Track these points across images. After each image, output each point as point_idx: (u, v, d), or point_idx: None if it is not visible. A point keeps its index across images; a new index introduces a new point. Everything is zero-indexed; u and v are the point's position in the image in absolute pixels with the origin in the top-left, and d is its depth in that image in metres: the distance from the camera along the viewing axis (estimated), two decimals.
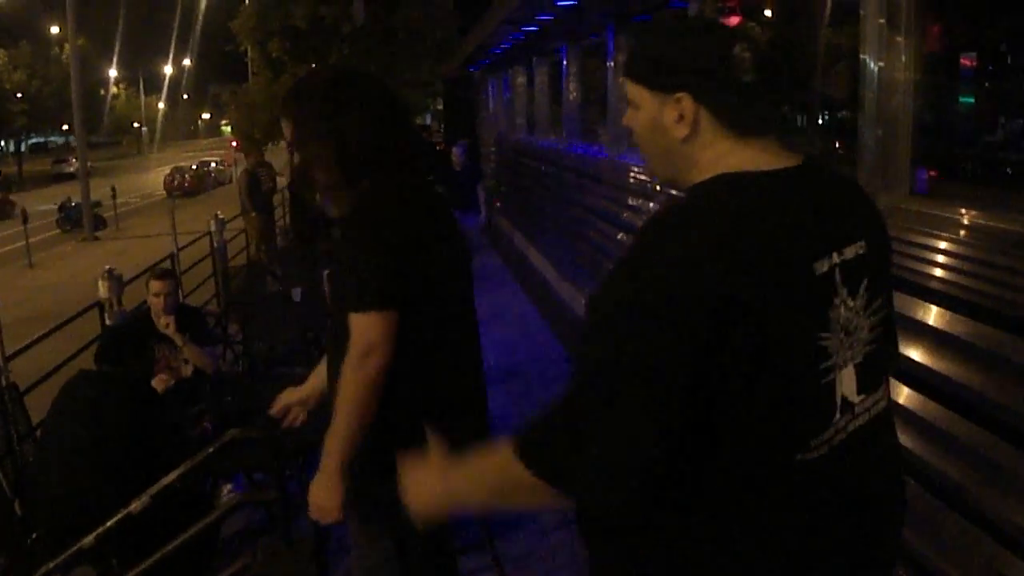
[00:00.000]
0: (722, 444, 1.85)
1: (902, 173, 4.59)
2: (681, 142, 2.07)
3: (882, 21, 4.53)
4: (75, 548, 4.59)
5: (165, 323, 6.70)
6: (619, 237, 9.46)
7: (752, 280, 1.81)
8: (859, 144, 4.76)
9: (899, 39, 4.51)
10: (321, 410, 3.57)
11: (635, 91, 2.12)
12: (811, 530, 1.96)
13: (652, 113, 2.09)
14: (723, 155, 2.04)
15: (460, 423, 3.22)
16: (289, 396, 3.83)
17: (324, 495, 3.20)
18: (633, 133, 2.18)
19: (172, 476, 4.42)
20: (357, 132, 3.22)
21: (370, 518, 3.40)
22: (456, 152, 17.13)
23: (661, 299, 1.80)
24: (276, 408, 3.83)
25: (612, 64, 9.92)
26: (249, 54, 37.91)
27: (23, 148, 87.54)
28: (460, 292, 3.44)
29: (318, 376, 3.74)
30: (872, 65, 4.59)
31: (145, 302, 7.04)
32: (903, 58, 4.51)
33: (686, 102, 2.03)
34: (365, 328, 3.09)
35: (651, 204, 8.58)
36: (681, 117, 2.05)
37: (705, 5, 7.16)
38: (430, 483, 2.31)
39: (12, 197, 49.10)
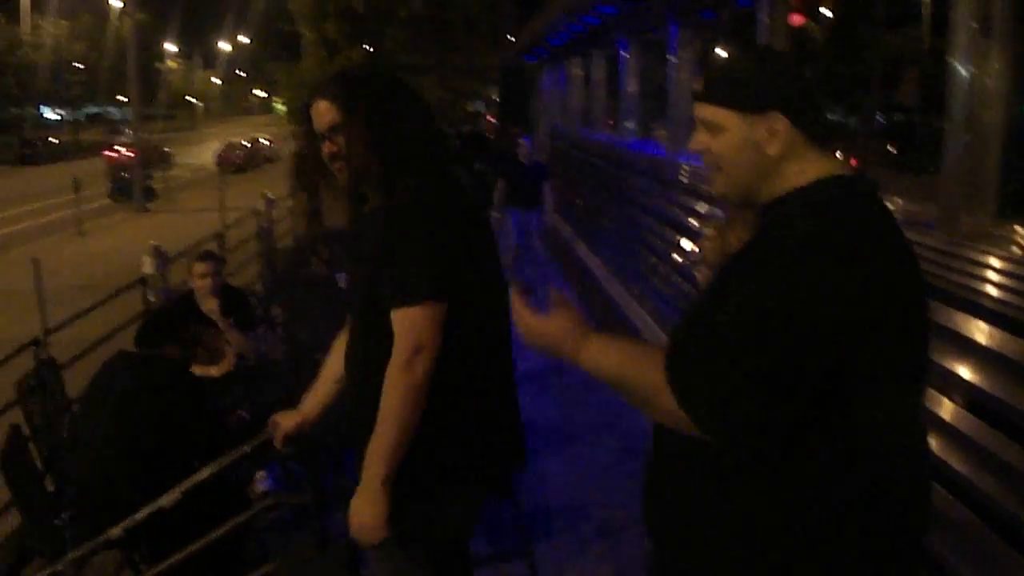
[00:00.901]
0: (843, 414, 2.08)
1: (989, 192, 4.34)
2: (772, 158, 2.21)
3: (974, 25, 4.31)
4: (102, 538, 4.48)
5: (209, 307, 6.56)
6: (669, 234, 9.28)
7: (894, 280, 2.09)
8: (943, 155, 4.53)
9: (992, 45, 4.27)
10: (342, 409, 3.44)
11: (718, 115, 2.24)
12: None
13: (741, 133, 2.22)
14: (809, 165, 2.22)
15: (492, 430, 3.28)
16: (286, 423, 3.67)
17: (368, 511, 3.01)
18: (706, 155, 2.30)
19: (206, 472, 4.30)
20: (404, 128, 3.17)
21: (406, 544, 3.20)
22: (523, 145, 14.93)
23: (820, 297, 2.00)
24: (277, 440, 3.69)
25: (674, 59, 9.73)
26: (303, 34, 38.04)
27: (80, 117, 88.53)
28: (496, 292, 3.29)
29: (315, 395, 3.63)
30: (962, 72, 4.36)
31: (189, 281, 6.92)
32: (996, 65, 4.27)
33: (777, 119, 2.19)
34: (415, 323, 2.96)
35: (701, 203, 8.40)
36: (773, 134, 2.20)
37: (770, 4, 6.98)
38: (566, 328, 2.43)
39: (71, 170, 49.62)
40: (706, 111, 2.26)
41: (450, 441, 3.11)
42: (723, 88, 2.24)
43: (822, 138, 2.24)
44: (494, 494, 3.61)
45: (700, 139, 2.30)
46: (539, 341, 2.47)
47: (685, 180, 9.25)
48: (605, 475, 7.07)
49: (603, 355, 2.37)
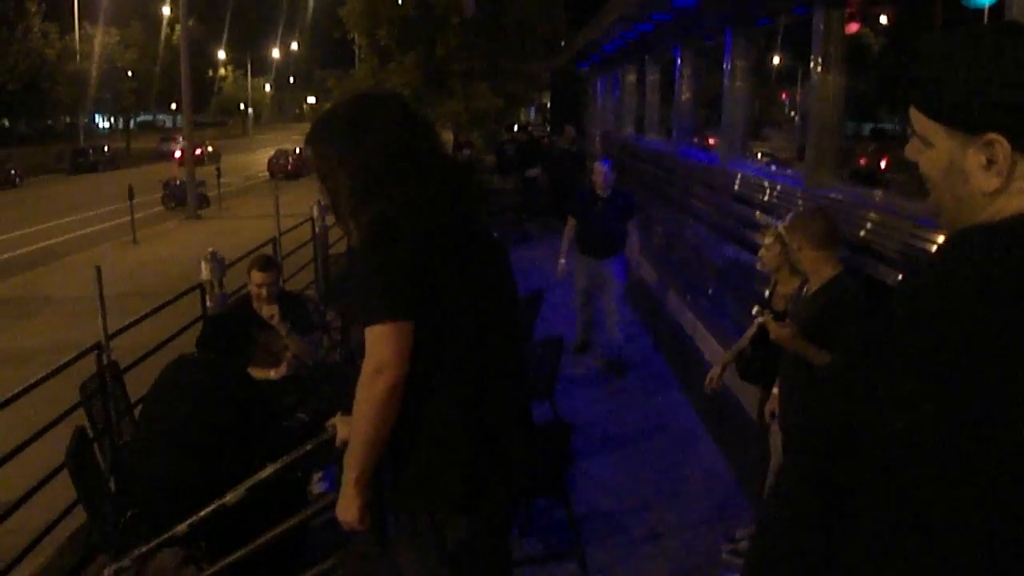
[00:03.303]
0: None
1: None
2: (986, 194, 1.68)
3: None
4: (167, 535, 4.57)
5: (269, 313, 6.65)
6: (721, 243, 9.28)
7: None
8: None
9: None
10: None
11: (926, 126, 1.74)
12: None
13: (949, 155, 1.72)
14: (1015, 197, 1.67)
15: (498, 447, 3.28)
16: (343, 429, 3.76)
17: (343, 509, 3.28)
18: (920, 169, 1.81)
19: (268, 471, 4.38)
20: (366, 158, 3.23)
21: (429, 565, 3.34)
22: (601, 171, 10.21)
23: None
24: (338, 443, 3.83)
25: (729, 67, 9.72)
26: (356, 41, 38.18)
27: (132, 125, 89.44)
28: (492, 307, 3.34)
29: None
30: None
31: (246, 286, 7.01)
32: None
33: (999, 146, 1.64)
34: (376, 342, 3.06)
35: (758, 214, 8.39)
36: (991, 163, 1.66)
37: (826, 11, 6.95)
38: None
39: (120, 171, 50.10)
40: (914, 116, 1.77)
41: (447, 459, 3.20)
42: (932, 94, 1.72)
43: None
44: (514, 504, 3.67)
45: (911, 147, 1.82)
46: None
47: (737, 188, 9.24)
48: (656, 477, 7.10)
49: None
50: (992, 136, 1.63)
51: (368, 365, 3.07)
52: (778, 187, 8.02)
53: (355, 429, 3.16)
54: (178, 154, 54.84)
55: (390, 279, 3.06)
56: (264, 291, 6.70)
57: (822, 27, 6.88)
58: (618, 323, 10.21)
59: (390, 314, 3.04)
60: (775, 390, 5.28)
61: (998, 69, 1.63)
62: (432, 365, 3.13)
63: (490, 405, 3.28)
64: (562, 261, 10.51)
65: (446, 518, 3.24)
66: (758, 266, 5.87)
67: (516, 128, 35.05)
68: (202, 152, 59.98)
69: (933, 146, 1.74)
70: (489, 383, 3.28)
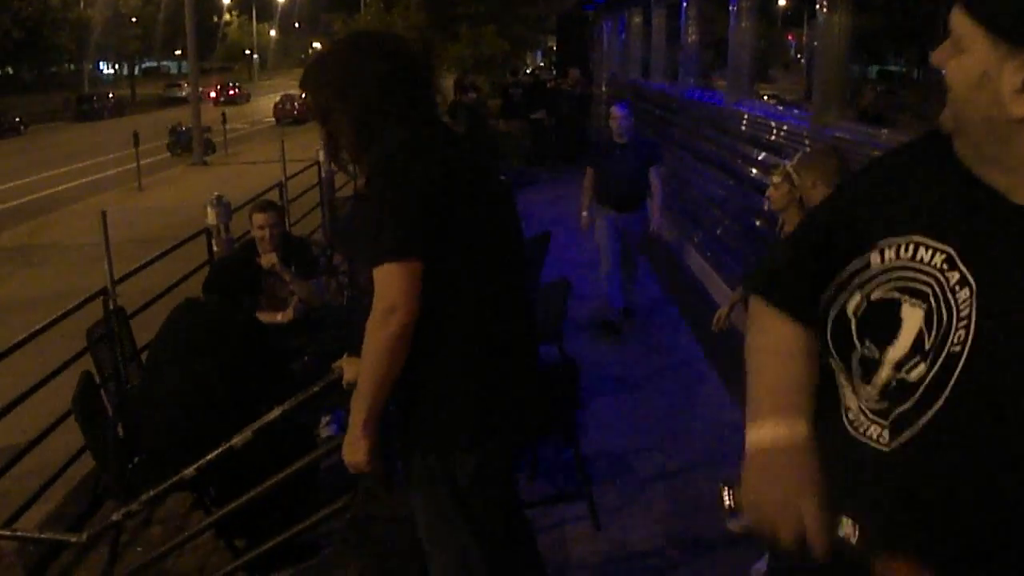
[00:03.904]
0: None
1: None
2: (1015, 120, 1.50)
3: None
4: (176, 478, 4.58)
5: (269, 262, 6.62)
6: (734, 186, 9.24)
7: None
8: None
9: None
10: None
11: (967, 28, 1.54)
12: None
13: (984, 64, 1.51)
14: None
15: (503, 383, 3.25)
16: (350, 370, 3.77)
17: (352, 450, 3.21)
18: (945, 80, 1.62)
19: (275, 413, 4.37)
20: (364, 95, 3.20)
21: (426, 490, 3.33)
22: (617, 116, 9.31)
23: None
24: (345, 384, 3.81)
25: (735, 8, 9.64)
26: None
27: (136, 72, 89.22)
28: (501, 248, 3.31)
29: None
30: None
31: (251, 230, 6.98)
32: None
33: None
34: (386, 282, 3.00)
35: (763, 154, 8.35)
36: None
37: None
38: None
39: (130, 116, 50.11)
40: (956, 16, 1.57)
41: (455, 397, 3.18)
42: None
43: None
44: (522, 443, 3.66)
45: (940, 50, 1.61)
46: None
47: (745, 129, 9.19)
48: (664, 420, 7.10)
49: None
50: None
51: (378, 306, 3.01)
52: (785, 127, 7.98)
53: (364, 371, 3.11)
54: (212, 94, 56.24)
55: (400, 217, 3.01)
56: (266, 233, 6.67)
57: None
58: (635, 275, 9.70)
59: (401, 253, 2.99)
60: None
61: None
62: (440, 305, 3.08)
63: (499, 344, 3.24)
64: (584, 213, 9.67)
65: (456, 457, 3.22)
66: (766, 205, 5.83)
67: (521, 72, 34.74)
68: (235, 92, 66.41)
69: (967, 52, 1.54)
70: (498, 323, 3.24)
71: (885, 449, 1.74)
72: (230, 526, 5.11)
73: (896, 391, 1.73)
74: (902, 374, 1.71)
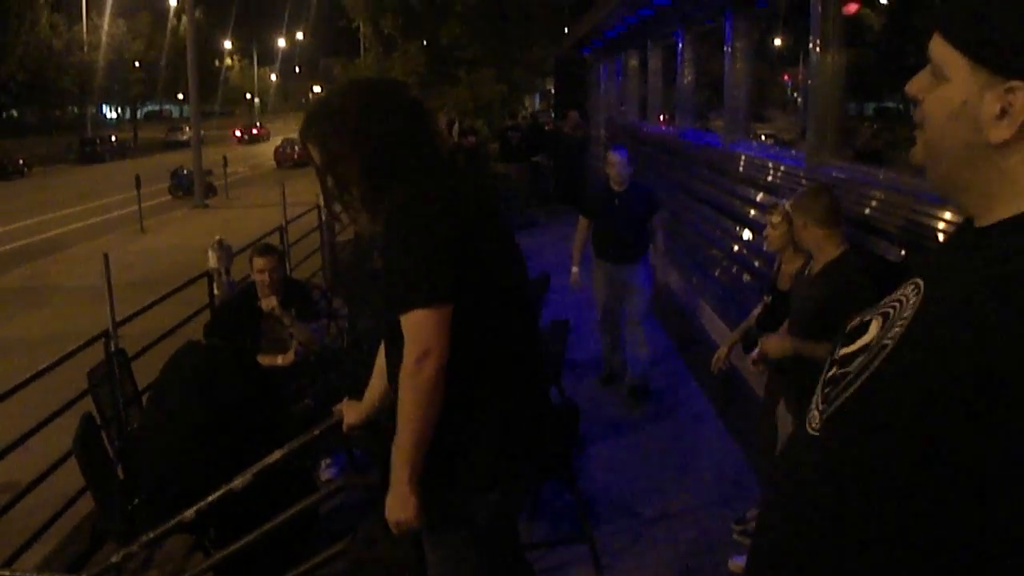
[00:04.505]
0: None
1: None
2: (992, 147, 1.49)
3: None
4: (175, 521, 4.58)
5: (269, 305, 6.64)
6: (731, 227, 9.27)
7: None
8: None
9: None
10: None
11: (948, 56, 1.52)
12: None
13: (964, 93, 1.50)
14: None
15: (521, 424, 3.25)
16: (351, 412, 3.79)
17: (399, 507, 3.13)
18: (918, 110, 1.59)
19: (276, 455, 4.38)
20: (378, 141, 3.19)
21: (443, 530, 3.31)
22: (615, 163, 8.60)
23: None
24: (346, 428, 3.82)
25: (729, 50, 9.71)
26: (361, 30, 38.18)
27: (139, 115, 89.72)
28: (515, 288, 3.34)
29: (374, 384, 3.73)
30: None
31: (252, 274, 7.01)
32: None
33: (1021, 94, 1.44)
34: (418, 327, 2.99)
35: (760, 195, 8.38)
36: (1004, 113, 1.46)
37: None
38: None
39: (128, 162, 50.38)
40: (935, 44, 1.55)
41: (480, 437, 3.17)
42: (961, 15, 1.53)
43: None
44: (536, 483, 3.66)
45: (917, 80, 1.60)
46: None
47: (741, 170, 9.23)
48: (664, 459, 7.10)
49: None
50: (1016, 83, 1.44)
51: (412, 352, 2.99)
52: (781, 167, 8.02)
53: (403, 422, 3.07)
54: (238, 132, 57.78)
55: (428, 262, 3.01)
56: (266, 277, 6.70)
57: (820, 8, 6.88)
58: (644, 340, 8.67)
59: (431, 298, 2.98)
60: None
61: None
62: (464, 345, 3.07)
63: (520, 382, 3.27)
64: (575, 269, 8.90)
65: (478, 497, 3.21)
66: (764, 245, 5.85)
67: (520, 116, 34.90)
68: (260, 131, 71.35)
69: (949, 81, 1.52)
70: (517, 361, 3.27)
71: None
72: (229, 569, 5.11)
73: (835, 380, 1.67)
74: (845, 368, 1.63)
